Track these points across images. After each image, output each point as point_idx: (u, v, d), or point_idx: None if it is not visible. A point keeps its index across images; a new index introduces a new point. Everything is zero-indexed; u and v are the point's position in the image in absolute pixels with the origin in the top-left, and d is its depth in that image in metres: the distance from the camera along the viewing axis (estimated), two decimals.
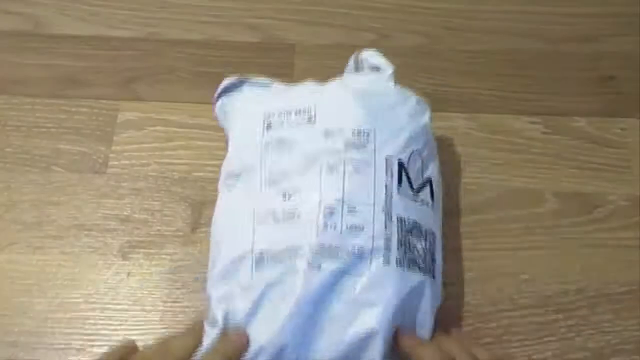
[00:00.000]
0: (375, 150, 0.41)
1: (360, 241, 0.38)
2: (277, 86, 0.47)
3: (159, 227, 0.49)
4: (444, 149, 0.52)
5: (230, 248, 0.41)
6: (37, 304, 0.46)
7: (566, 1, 0.58)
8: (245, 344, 0.38)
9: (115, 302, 0.46)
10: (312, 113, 0.42)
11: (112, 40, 0.57)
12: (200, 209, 0.49)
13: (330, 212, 0.39)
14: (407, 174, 0.41)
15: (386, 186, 0.40)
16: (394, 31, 0.57)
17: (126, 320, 0.46)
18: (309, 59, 0.56)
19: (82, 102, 0.54)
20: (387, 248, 0.39)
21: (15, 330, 0.45)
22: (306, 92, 0.45)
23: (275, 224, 0.40)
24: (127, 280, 0.47)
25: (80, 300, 0.46)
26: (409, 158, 0.42)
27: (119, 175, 0.51)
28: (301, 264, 0.38)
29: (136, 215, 0.49)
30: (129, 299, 0.46)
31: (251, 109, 0.45)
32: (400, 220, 0.40)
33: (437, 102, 0.53)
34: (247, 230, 0.40)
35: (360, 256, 0.38)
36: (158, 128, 0.53)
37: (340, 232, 0.38)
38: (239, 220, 0.41)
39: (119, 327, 0.46)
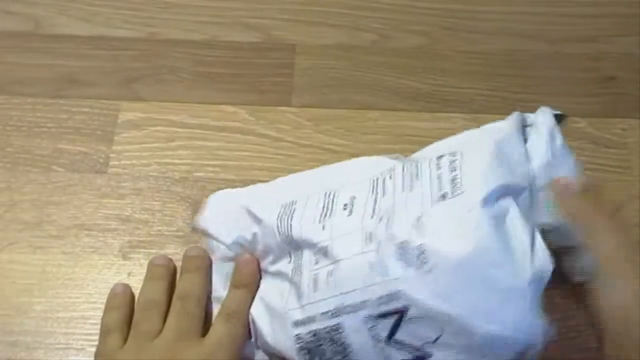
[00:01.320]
0: None
1: None
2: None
3: (159, 227, 0.49)
4: None
5: None
6: (37, 304, 0.46)
7: (566, 2, 0.58)
8: (257, 266, 0.41)
9: None
10: None
11: (112, 40, 0.57)
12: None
13: None
14: None
15: None
16: (394, 31, 0.57)
17: None
18: (309, 59, 0.56)
19: (83, 102, 0.54)
20: None
21: (15, 330, 0.45)
22: None
23: None
24: (128, 280, 0.47)
25: (81, 300, 0.46)
26: None
27: (119, 175, 0.51)
28: None
29: (137, 215, 0.49)
30: None
31: None
32: None
33: (437, 102, 0.54)
34: None
35: None
36: (159, 128, 0.53)
37: None
38: None
39: None
